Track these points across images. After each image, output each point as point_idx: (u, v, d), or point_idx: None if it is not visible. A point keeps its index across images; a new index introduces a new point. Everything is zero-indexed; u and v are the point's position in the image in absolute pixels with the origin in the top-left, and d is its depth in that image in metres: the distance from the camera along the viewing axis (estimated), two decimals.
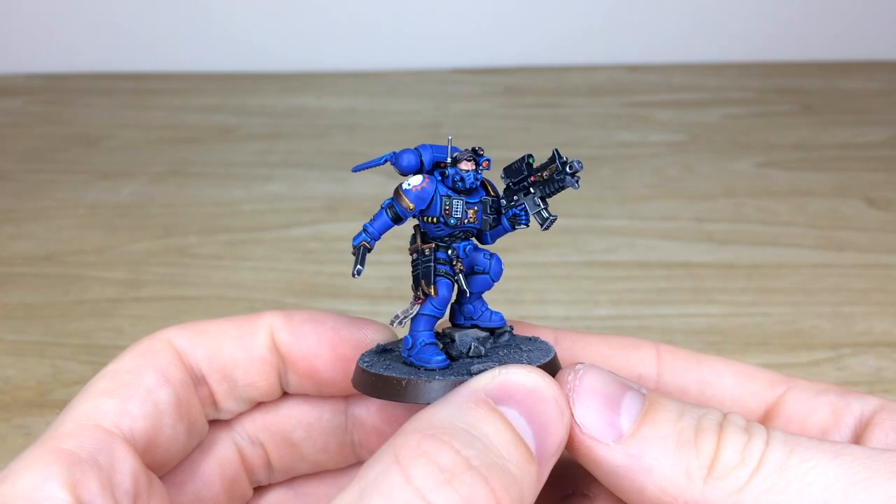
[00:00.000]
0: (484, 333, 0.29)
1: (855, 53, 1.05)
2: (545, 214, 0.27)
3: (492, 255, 0.29)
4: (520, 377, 0.24)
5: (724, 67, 1.04)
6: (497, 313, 0.29)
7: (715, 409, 0.25)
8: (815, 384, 0.30)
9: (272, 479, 0.32)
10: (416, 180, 0.27)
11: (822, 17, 1.04)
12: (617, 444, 0.24)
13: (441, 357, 0.27)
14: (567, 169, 0.27)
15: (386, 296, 0.58)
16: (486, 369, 0.25)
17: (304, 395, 0.31)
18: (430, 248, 0.28)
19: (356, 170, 0.29)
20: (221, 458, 0.30)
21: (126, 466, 0.25)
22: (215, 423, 0.30)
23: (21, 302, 0.58)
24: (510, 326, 0.29)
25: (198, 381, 0.29)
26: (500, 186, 0.29)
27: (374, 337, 0.30)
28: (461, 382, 0.25)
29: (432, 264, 0.28)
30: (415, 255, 0.28)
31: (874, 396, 0.28)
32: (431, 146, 0.28)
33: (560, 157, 0.27)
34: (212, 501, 0.29)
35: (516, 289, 0.58)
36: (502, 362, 0.26)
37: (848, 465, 0.22)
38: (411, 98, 0.96)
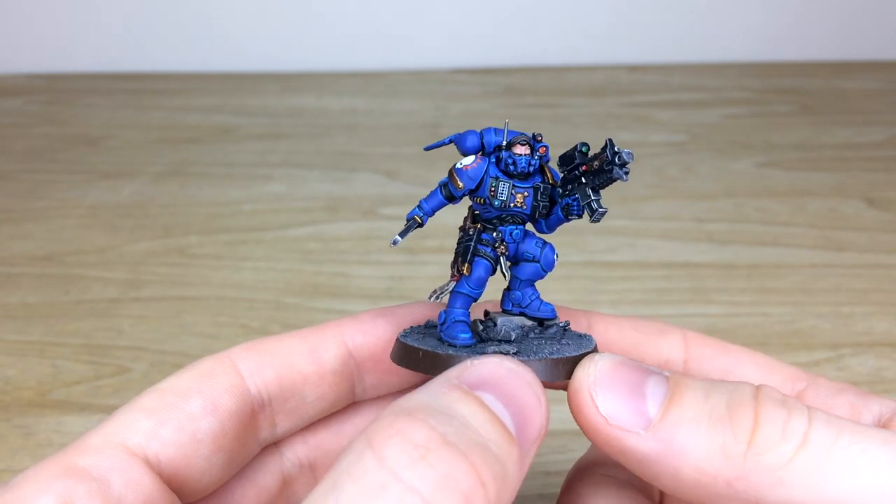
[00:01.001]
0: (531, 323, 0.29)
1: (855, 53, 1.05)
2: (594, 206, 0.27)
3: (545, 243, 0.29)
4: (492, 365, 0.23)
5: (724, 67, 1.04)
6: (548, 304, 0.29)
7: (745, 383, 0.24)
8: (836, 384, 0.29)
9: None
10: (467, 160, 0.27)
11: (822, 17, 1.04)
12: (646, 431, 0.23)
13: (467, 335, 0.27)
14: (616, 160, 0.26)
15: (386, 296, 0.58)
16: (497, 353, 0.25)
17: (368, 402, 0.31)
18: (475, 228, 0.28)
19: (428, 149, 0.29)
20: (260, 487, 0.29)
21: (140, 490, 0.24)
22: (263, 449, 0.30)
23: (21, 302, 0.58)
24: (566, 322, 0.29)
25: (261, 405, 0.28)
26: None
27: None
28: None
29: (472, 243, 0.28)
30: (460, 233, 0.28)
31: (893, 401, 0.28)
32: (496, 130, 0.28)
33: (612, 147, 0.26)
34: None
35: None
36: (521, 350, 0.26)
37: None
38: (411, 98, 0.96)
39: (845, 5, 1.04)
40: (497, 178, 0.27)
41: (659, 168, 0.78)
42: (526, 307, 0.29)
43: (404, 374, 0.29)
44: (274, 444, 0.30)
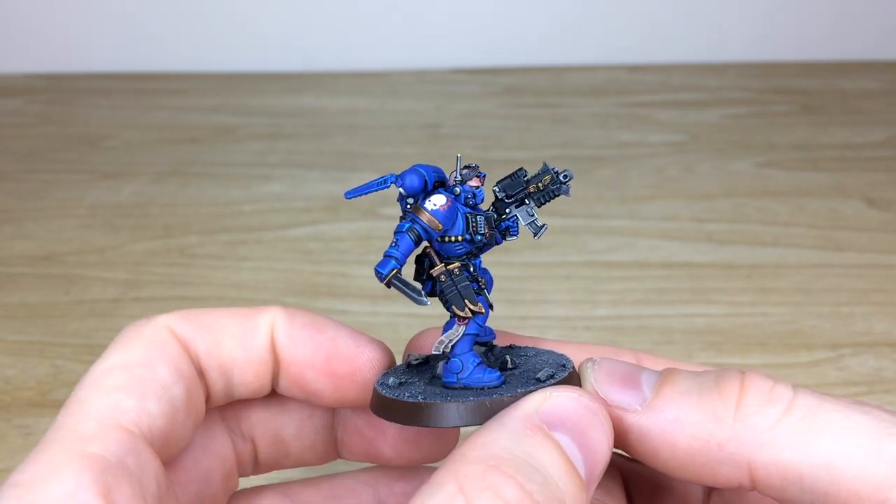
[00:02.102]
0: (482, 348, 0.29)
1: (855, 53, 1.05)
2: (539, 224, 0.29)
3: (485, 269, 0.29)
4: (572, 401, 0.25)
5: (724, 67, 1.04)
6: (488, 327, 0.29)
7: (733, 368, 0.26)
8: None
9: (256, 472, 0.32)
10: (440, 200, 0.27)
11: (822, 17, 1.04)
12: (643, 407, 0.25)
13: (496, 374, 0.27)
14: (563, 178, 0.29)
15: (386, 296, 0.58)
16: (552, 374, 0.26)
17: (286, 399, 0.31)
18: (458, 268, 0.28)
19: (350, 196, 0.28)
20: (221, 455, 0.30)
21: (151, 469, 0.24)
22: (213, 420, 0.30)
23: (21, 302, 0.58)
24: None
25: (199, 372, 0.28)
26: (490, 199, 0.30)
27: (372, 357, 0.29)
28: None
29: (467, 282, 0.28)
30: (444, 277, 0.28)
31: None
32: (424, 166, 0.28)
33: (552, 169, 0.29)
34: (210, 499, 0.29)
35: (516, 289, 0.58)
36: (552, 371, 0.26)
37: (880, 418, 0.23)
38: (411, 98, 0.96)
39: (845, 5, 1.04)
40: (475, 214, 0.28)
41: (659, 168, 0.78)
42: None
43: (309, 391, 0.29)
44: (219, 415, 0.30)
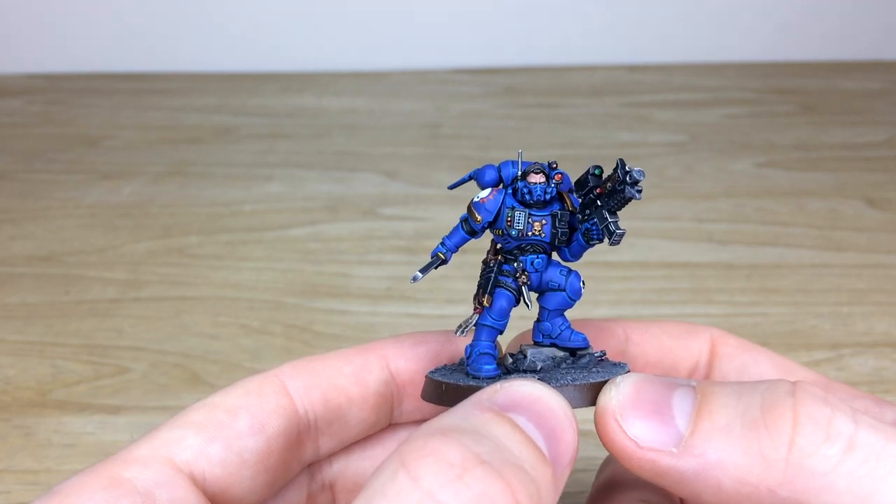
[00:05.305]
0: (562, 353, 0.28)
1: (855, 53, 1.05)
2: (612, 228, 0.27)
3: (570, 271, 0.28)
4: (523, 387, 0.23)
5: (724, 67, 1.04)
6: (579, 333, 0.29)
7: (781, 380, 0.23)
8: (854, 390, 0.29)
9: None
10: (483, 193, 0.28)
11: (822, 17, 1.04)
12: (679, 448, 0.22)
13: (491, 367, 0.27)
14: (627, 179, 0.26)
15: (386, 296, 0.58)
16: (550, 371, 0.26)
17: (397, 426, 0.31)
18: (495, 260, 0.28)
19: (451, 187, 0.29)
20: (289, 502, 0.29)
21: None
22: None
23: (21, 302, 0.58)
24: (601, 351, 0.29)
25: (307, 426, 0.28)
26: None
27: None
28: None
29: (493, 275, 0.28)
30: (482, 266, 0.29)
31: None
32: (513, 162, 0.28)
33: (623, 167, 0.26)
34: None
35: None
36: (550, 380, 0.26)
37: None
38: (411, 98, 0.96)
39: (845, 5, 1.04)
40: (513, 208, 0.27)
41: (659, 168, 0.78)
42: (556, 337, 0.29)
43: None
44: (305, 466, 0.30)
